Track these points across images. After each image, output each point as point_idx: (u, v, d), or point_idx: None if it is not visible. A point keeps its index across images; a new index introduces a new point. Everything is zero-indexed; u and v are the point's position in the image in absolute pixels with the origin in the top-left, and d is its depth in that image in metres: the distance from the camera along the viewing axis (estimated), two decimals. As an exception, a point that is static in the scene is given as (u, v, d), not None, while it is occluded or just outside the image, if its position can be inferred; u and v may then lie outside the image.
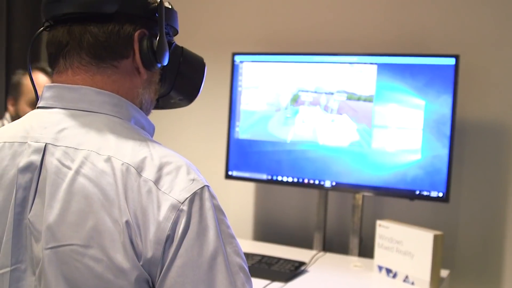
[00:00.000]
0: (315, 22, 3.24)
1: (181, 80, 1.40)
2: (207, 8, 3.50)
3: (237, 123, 3.09)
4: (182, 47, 1.41)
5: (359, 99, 2.83)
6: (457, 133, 2.81)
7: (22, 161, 1.15)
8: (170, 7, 1.34)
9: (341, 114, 2.87)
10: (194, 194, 1.09)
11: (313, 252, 3.00)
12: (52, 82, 1.26)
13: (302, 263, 2.71)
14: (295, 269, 2.63)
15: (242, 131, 3.09)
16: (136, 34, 1.23)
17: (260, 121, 3.04)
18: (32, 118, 1.24)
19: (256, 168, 3.06)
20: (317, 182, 2.93)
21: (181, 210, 1.07)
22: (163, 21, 1.26)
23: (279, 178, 3.01)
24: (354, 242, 2.97)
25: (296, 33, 3.27)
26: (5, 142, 1.20)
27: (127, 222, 1.05)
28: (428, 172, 2.71)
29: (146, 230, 1.05)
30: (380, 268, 2.66)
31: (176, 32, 1.41)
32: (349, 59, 2.88)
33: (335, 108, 2.88)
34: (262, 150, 3.04)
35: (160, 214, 1.06)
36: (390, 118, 2.77)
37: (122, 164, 1.09)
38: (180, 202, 1.07)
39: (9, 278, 1.14)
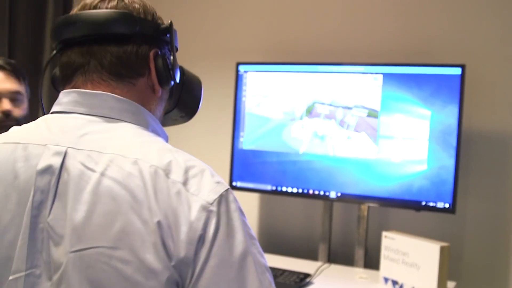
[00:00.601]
0: (320, 32, 3.24)
1: (184, 98, 1.48)
2: (211, 17, 3.51)
3: (241, 134, 3.09)
4: (181, 66, 1.47)
5: (377, 116, 2.82)
6: (463, 144, 2.80)
7: (41, 164, 1.15)
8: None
9: (358, 131, 2.87)
10: (221, 196, 1.11)
11: (318, 263, 2.99)
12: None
13: (307, 275, 2.71)
14: (300, 281, 2.63)
15: (247, 142, 3.08)
16: (151, 53, 1.29)
17: (273, 131, 3.04)
18: (48, 122, 1.25)
19: (260, 179, 3.06)
20: (322, 193, 2.93)
21: (211, 211, 1.09)
22: (173, 41, 1.33)
23: (284, 189, 3.01)
24: (359, 254, 2.96)
25: (300, 42, 3.28)
26: (18, 143, 1.21)
27: (158, 222, 1.07)
28: (434, 182, 2.71)
29: (177, 230, 1.07)
30: (386, 280, 2.65)
31: (176, 50, 1.46)
32: (354, 68, 2.88)
33: (353, 124, 2.88)
34: (267, 161, 3.04)
35: (191, 215, 1.08)
36: (396, 128, 2.77)
37: (150, 166, 1.11)
38: (209, 203, 1.09)
39: (23, 283, 1.13)
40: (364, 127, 2.85)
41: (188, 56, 1.37)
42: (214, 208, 1.10)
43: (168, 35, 1.34)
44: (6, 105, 2.50)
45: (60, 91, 1.33)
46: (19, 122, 2.46)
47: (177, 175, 1.12)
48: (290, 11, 3.32)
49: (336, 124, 2.90)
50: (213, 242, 1.08)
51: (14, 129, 1.29)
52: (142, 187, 1.09)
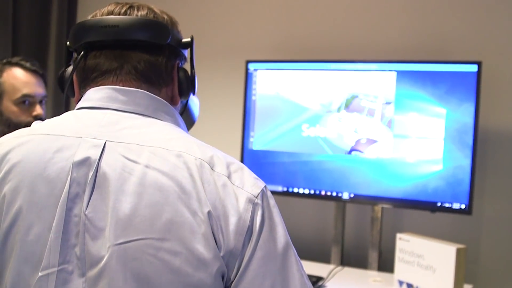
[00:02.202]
0: (331, 28, 3.24)
1: (186, 112, 1.60)
2: (219, 15, 3.51)
3: (251, 134, 3.08)
4: None
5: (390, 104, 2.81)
6: (480, 143, 2.79)
7: (78, 155, 1.16)
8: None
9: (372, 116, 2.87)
10: (262, 191, 1.16)
11: (331, 266, 2.99)
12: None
13: (319, 278, 2.70)
14: (312, 285, 2.61)
15: (257, 142, 3.08)
16: (176, 64, 1.35)
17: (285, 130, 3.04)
18: (79, 116, 1.26)
19: (271, 180, 3.06)
20: (334, 194, 2.93)
21: (256, 204, 1.14)
22: (193, 54, 1.39)
23: (295, 190, 3.01)
24: (373, 256, 2.95)
25: (311, 39, 3.28)
26: (47, 134, 1.22)
27: (209, 212, 1.10)
28: (450, 183, 2.70)
29: (226, 221, 1.10)
30: (400, 283, 2.64)
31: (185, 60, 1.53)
32: (367, 66, 2.87)
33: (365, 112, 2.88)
34: (277, 161, 3.04)
35: (239, 206, 1.12)
36: (410, 127, 2.77)
37: (196, 159, 1.15)
38: (254, 196, 1.14)
39: (55, 279, 1.13)
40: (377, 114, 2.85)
41: (196, 55, 1.38)
42: (259, 201, 1.14)
43: (187, 48, 1.39)
44: (39, 110, 2.62)
45: (66, 93, 1.36)
46: None
47: (221, 169, 1.16)
48: (301, 7, 3.31)
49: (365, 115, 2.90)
50: (260, 235, 1.12)
51: (38, 123, 1.30)
52: (189, 178, 1.12)
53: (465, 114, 2.67)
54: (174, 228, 1.08)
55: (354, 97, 2.88)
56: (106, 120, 1.21)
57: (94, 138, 1.18)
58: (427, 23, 3.04)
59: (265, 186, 1.18)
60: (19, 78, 2.59)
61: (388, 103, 2.80)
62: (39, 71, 2.65)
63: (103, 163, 1.14)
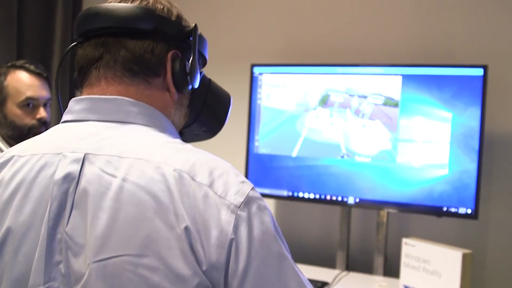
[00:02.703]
0: (337, 32, 3.25)
1: (207, 111, 1.47)
2: (224, 18, 3.53)
3: (256, 137, 3.09)
4: (210, 79, 1.49)
5: (396, 105, 2.81)
6: (486, 147, 2.80)
7: (59, 172, 1.15)
8: (201, 35, 1.41)
9: (373, 119, 2.87)
10: (248, 197, 1.12)
11: (336, 271, 3.00)
12: (82, 95, 1.29)
13: (324, 283, 2.71)
14: (317, 290, 2.62)
15: (262, 146, 3.08)
16: (170, 54, 1.30)
17: (288, 121, 3.05)
18: (61, 131, 1.25)
19: (276, 184, 3.07)
20: (340, 198, 2.93)
21: (239, 215, 1.09)
22: (196, 44, 1.34)
23: (300, 194, 3.02)
24: (378, 261, 2.96)
25: (318, 43, 3.28)
26: (32, 154, 1.21)
27: (186, 228, 1.06)
28: (455, 187, 2.70)
29: (208, 234, 1.07)
30: (406, 288, 2.64)
31: (205, 62, 1.49)
32: (373, 70, 2.87)
33: (368, 112, 2.89)
34: (283, 165, 3.04)
35: (221, 218, 1.08)
36: (416, 131, 2.77)
37: (174, 170, 1.11)
38: (237, 207, 1.10)
39: None
40: (380, 115, 2.86)
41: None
42: (242, 212, 1.10)
43: (189, 38, 1.34)
44: (43, 112, 2.64)
45: (79, 90, 1.34)
46: (47, 127, 2.60)
47: (202, 177, 1.12)
48: (306, 11, 3.33)
49: (351, 113, 2.91)
50: (250, 245, 1.09)
51: (26, 141, 1.30)
52: (166, 192, 1.09)
53: (471, 118, 2.67)
54: (152, 244, 1.06)
55: (362, 99, 2.88)
56: (85, 132, 1.20)
57: (73, 152, 1.16)
58: (432, 27, 3.04)
59: (252, 189, 1.14)
60: (23, 81, 2.61)
61: (394, 106, 2.80)
62: (43, 74, 2.67)
63: (82, 179, 1.13)
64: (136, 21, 1.25)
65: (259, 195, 1.15)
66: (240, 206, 1.10)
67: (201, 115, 1.46)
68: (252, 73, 3.12)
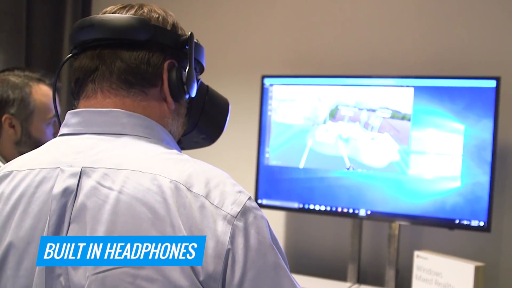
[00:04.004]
0: (348, 43, 3.27)
1: (205, 118, 1.49)
2: (235, 29, 3.56)
3: (267, 149, 3.11)
4: (207, 86, 1.50)
5: (403, 118, 2.83)
6: (499, 159, 2.81)
7: (57, 187, 1.16)
8: (198, 42, 1.41)
9: (382, 132, 2.89)
10: (244, 206, 1.13)
11: (347, 284, 3.02)
12: (78, 107, 1.30)
13: (336, 296, 2.71)
14: (328, 302, 2.63)
15: (273, 157, 3.11)
16: (166, 63, 1.31)
17: (297, 135, 3.07)
18: (58, 144, 1.27)
19: (287, 196, 3.08)
20: (351, 210, 2.95)
21: (236, 225, 1.11)
22: (192, 53, 1.34)
23: (311, 206, 3.03)
24: (390, 274, 2.97)
25: (328, 54, 3.31)
26: (30, 169, 1.23)
27: None
28: (468, 200, 2.71)
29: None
30: (418, 301, 2.65)
31: (202, 69, 1.49)
32: (385, 81, 2.90)
33: (376, 125, 2.91)
34: (293, 177, 3.06)
35: (217, 229, 1.10)
36: (428, 143, 2.79)
37: (171, 181, 1.13)
38: (233, 217, 1.11)
39: None
40: (388, 128, 2.88)
41: (211, 69, 1.40)
42: (239, 222, 1.11)
43: (186, 47, 1.35)
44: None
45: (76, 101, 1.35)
46: None
47: (199, 188, 1.13)
48: (317, 21, 3.35)
49: (361, 127, 2.93)
50: (246, 255, 1.10)
51: (24, 156, 1.31)
52: (163, 203, 1.10)
53: (484, 130, 2.69)
54: None
55: (370, 112, 2.90)
56: (82, 146, 1.22)
57: (70, 167, 1.18)
58: (444, 38, 3.06)
59: (248, 199, 1.15)
60: (49, 96, 2.43)
61: (401, 119, 2.82)
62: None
63: (80, 192, 1.15)
64: (131, 32, 1.27)
65: (256, 205, 1.17)
66: (236, 216, 1.11)
67: (200, 122, 1.48)
68: (262, 84, 3.14)
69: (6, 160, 2.37)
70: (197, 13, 3.58)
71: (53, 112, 2.39)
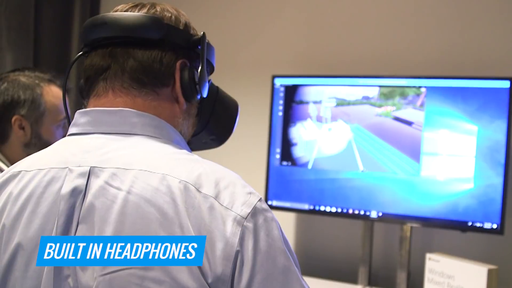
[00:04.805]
0: (359, 43, 3.28)
1: (215, 119, 1.49)
2: (245, 28, 3.57)
3: (277, 150, 3.11)
4: (217, 86, 1.51)
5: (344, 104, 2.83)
6: (512, 161, 2.80)
7: (66, 187, 1.17)
8: (209, 43, 1.41)
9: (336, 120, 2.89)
10: (255, 208, 1.13)
11: (358, 287, 3.02)
12: (88, 106, 1.31)
13: (346, 299, 2.71)
14: (339, 305, 2.64)
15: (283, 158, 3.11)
16: (178, 63, 1.32)
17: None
18: (67, 144, 1.28)
19: (297, 198, 3.08)
20: (362, 212, 2.95)
21: (246, 226, 1.11)
22: (204, 53, 1.35)
23: (322, 208, 3.03)
24: (401, 277, 2.96)
25: (340, 54, 3.31)
26: (38, 169, 1.23)
27: None
28: (481, 202, 2.71)
29: (213, 247, 1.08)
30: (430, 304, 2.65)
31: (212, 70, 1.50)
32: (396, 82, 2.90)
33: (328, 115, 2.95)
34: (304, 178, 3.06)
35: (226, 230, 1.10)
36: (441, 144, 2.79)
37: (180, 182, 1.13)
38: (243, 218, 1.11)
39: None
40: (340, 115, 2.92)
41: (221, 69, 1.40)
42: (249, 223, 1.11)
43: (198, 47, 1.36)
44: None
45: (85, 100, 1.36)
46: None
47: (208, 189, 1.13)
48: (327, 21, 3.36)
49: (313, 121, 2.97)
50: (255, 257, 1.10)
51: (32, 156, 1.32)
52: (171, 204, 1.11)
53: (497, 131, 2.68)
54: None
55: (381, 112, 2.90)
56: (91, 145, 1.22)
57: (79, 166, 1.18)
58: (457, 38, 3.06)
59: (259, 200, 1.15)
60: (59, 97, 2.41)
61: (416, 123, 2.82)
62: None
63: (88, 192, 1.15)
64: (144, 30, 1.27)
65: (267, 207, 1.17)
66: (246, 218, 1.11)
67: (210, 123, 1.48)
68: (273, 84, 3.15)
69: (13, 163, 2.32)
70: (208, 13, 3.59)
71: (64, 114, 2.39)
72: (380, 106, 2.90)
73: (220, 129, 1.55)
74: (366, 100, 2.93)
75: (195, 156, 1.24)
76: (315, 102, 3.02)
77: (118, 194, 1.13)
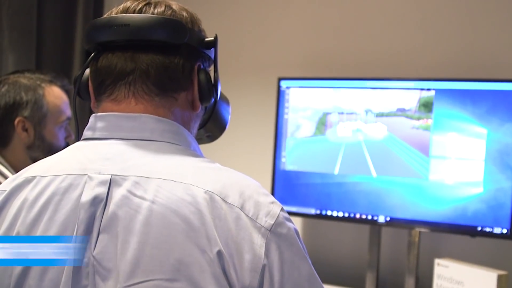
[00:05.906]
0: (366, 45, 3.28)
1: (214, 117, 1.49)
2: (251, 30, 3.57)
3: (283, 153, 3.12)
4: None
5: (418, 120, 2.83)
6: (523, 165, 2.80)
7: (86, 195, 1.15)
8: None
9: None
10: (278, 218, 1.14)
11: (366, 292, 3.00)
12: (103, 110, 1.29)
13: (354, 305, 2.71)
14: (346, 311, 2.64)
15: (289, 162, 3.11)
16: (196, 67, 1.31)
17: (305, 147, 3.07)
18: (83, 149, 1.26)
19: (304, 202, 3.08)
20: (369, 217, 2.95)
21: (270, 239, 1.12)
22: (217, 55, 1.36)
23: (329, 212, 3.03)
24: (410, 282, 2.96)
25: (347, 56, 3.31)
26: (55, 175, 1.21)
27: (219, 252, 1.09)
28: (490, 206, 2.70)
29: (241, 258, 1.09)
30: (439, 310, 2.65)
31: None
32: (404, 84, 2.90)
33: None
34: (310, 182, 3.07)
35: (253, 241, 1.11)
36: (450, 148, 2.79)
37: (205, 192, 1.13)
38: (268, 230, 1.13)
39: None
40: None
41: (226, 71, 1.41)
42: (273, 235, 1.13)
43: (211, 49, 1.35)
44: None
45: (85, 99, 1.35)
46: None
47: (233, 198, 1.14)
48: (334, 23, 3.36)
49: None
50: (282, 268, 1.11)
51: (45, 160, 1.31)
52: (198, 214, 1.11)
53: (507, 134, 2.67)
54: (183, 268, 1.08)
55: (389, 115, 2.90)
56: (111, 152, 1.21)
57: (99, 174, 1.17)
58: (467, 40, 3.06)
59: (281, 210, 1.16)
60: (61, 98, 2.44)
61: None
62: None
63: (110, 202, 1.14)
64: (167, 35, 1.25)
65: (288, 216, 1.18)
66: (271, 229, 1.13)
67: (209, 122, 1.48)
68: (279, 86, 3.15)
69: (14, 167, 2.36)
70: (214, 15, 3.59)
71: (65, 115, 2.41)
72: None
73: (217, 127, 1.56)
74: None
75: (216, 164, 1.24)
76: (315, 107, 3.02)
77: (142, 203, 1.13)
